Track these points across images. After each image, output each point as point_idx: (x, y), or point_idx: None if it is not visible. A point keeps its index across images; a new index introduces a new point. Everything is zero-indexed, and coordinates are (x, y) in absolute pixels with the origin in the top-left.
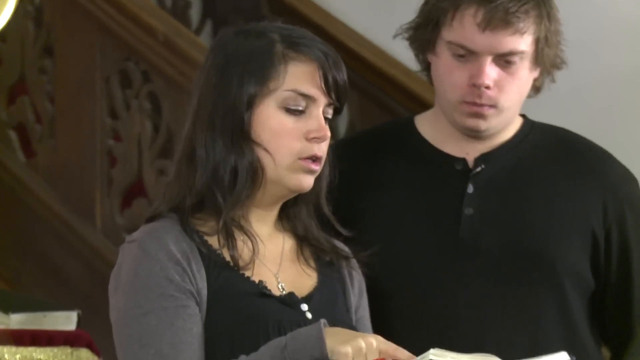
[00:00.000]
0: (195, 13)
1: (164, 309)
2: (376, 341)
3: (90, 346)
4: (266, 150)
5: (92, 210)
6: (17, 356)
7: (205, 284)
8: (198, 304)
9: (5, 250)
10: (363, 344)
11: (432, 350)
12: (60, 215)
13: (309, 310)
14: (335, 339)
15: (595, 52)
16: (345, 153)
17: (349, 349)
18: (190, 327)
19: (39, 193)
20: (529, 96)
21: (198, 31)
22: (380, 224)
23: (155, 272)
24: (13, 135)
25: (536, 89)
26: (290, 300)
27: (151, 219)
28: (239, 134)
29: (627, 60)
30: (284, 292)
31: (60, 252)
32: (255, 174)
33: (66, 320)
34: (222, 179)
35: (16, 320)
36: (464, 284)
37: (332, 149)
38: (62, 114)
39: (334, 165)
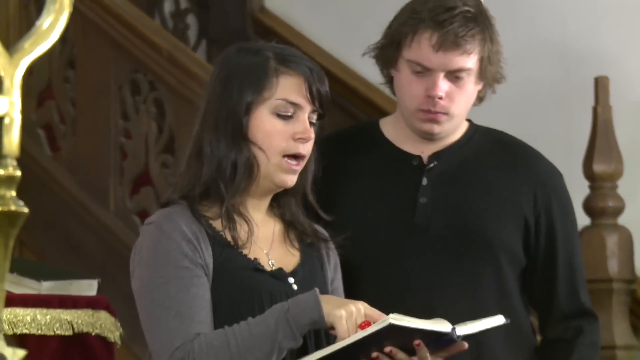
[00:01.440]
0: (192, 34)
1: (181, 278)
2: (363, 307)
3: (108, 308)
4: (260, 148)
5: (107, 195)
6: (47, 317)
7: (212, 260)
8: (206, 275)
9: (34, 228)
10: (354, 309)
11: (391, 315)
12: (80, 200)
13: (294, 282)
14: (330, 304)
15: (518, 67)
16: (324, 149)
17: (342, 312)
18: (203, 293)
19: (62, 181)
20: (474, 105)
21: (195, 49)
22: (351, 210)
23: (172, 249)
24: (41, 133)
25: (480, 99)
26: (279, 274)
27: (165, 204)
28: (239, 135)
29: (544, 74)
30: (274, 268)
31: (80, 230)
32: (252, 168)
33: (88, 287)
34: (225, 172)
35: (46, 287)
36: (417, 260)
37: (315, 145)
38: (82, 116)
39: (318, 161)
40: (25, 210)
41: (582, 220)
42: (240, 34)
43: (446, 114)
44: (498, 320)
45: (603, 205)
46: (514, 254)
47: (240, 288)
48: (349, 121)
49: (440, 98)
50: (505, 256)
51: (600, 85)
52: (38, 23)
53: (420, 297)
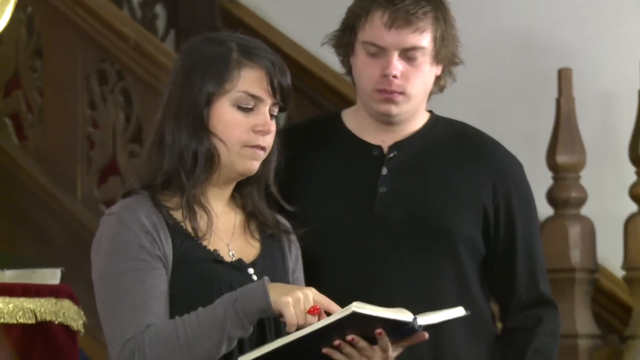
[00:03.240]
0: (161, 23)
1: (137, 270)
2: (311, 293)
3: (71, 297)
4: (220, 139)
5: (74, 185)
6: (10, 305)
7: (172, 251)
8: (165, 267)
9: (1, 217)
10: (301, 295)
11: (354, 303)
12: (47, 189)
13: (254, 273)
14: (277, 291)
15: (483, 58)
16: (286, 140)
17: (289, 299)
18: (159, 285)
19: (29, 170)
20: (435, 93)
21: (163, 38)
22: (312, 202)
23: (130, 240)
24: (8, 122)
25: (441, 87)
26: (239, 265)
27: (127, 194)
28: (199, 125)
29: (509, 65)
30: (234, 259)
31: (47, 219)
32: (212, 158)
33: (52, 276)
34: (186, 162)
35: (9, 276)
36: (377, 250)
37: (278, 136)
38: (49, 105)
39: (281, 152)
40: None
41: (546, 210)
42: (209, 24)
43: (402, 93)
44: (459, 311)
45: (566, 196)
46: (474, 244)
47: (200, 279)
48: (317, 112)
49: (395, 77)
50: (464, 246)
51: (564, 77)
52: None
53: (379, 287)
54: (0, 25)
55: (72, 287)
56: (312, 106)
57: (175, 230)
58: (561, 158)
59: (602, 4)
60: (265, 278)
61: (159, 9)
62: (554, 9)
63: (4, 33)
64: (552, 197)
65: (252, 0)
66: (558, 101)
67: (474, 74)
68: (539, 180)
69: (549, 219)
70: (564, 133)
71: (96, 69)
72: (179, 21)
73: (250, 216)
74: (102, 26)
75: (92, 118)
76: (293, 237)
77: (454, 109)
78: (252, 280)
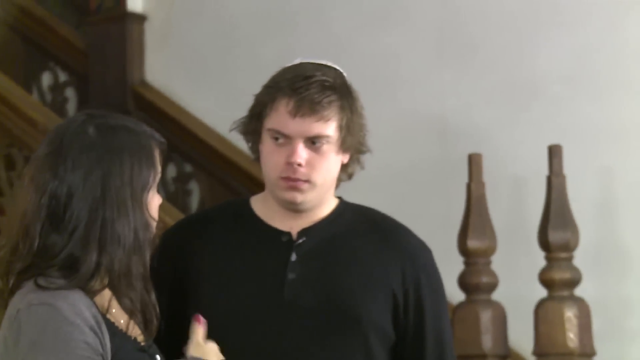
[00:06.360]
0: (71, 107)
1: None
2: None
3: None
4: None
5: None
6: None
7: (110, 346)
8: None
9: None
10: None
11: None
12: None
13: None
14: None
15: (397, 144)
16: (193, 227)
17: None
18: None
19: None
20: (343, 180)
21: None
22: (216, 284)
23: (75, 336)
24: None
25: (349, 174)
26: (151, 352)
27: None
28: (140, 204)
29: (421, 151)
30: (143, 344)
31: None
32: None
33: None
34: (141, 241)
35: None
36: (287, 336)
37: (184, 223)
38: None
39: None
40: None
41: (457, 295)
42: (121, 108)
43: (307, 181)
44: None
45: (477, 281)
46: (383, 330)
47: None
48: (230, 195)
49: (300, 165)
50: (374, 332)
51: (474, 162)
52: None
53: None
54: None
55: None
56: (225, 189)
57: (108, 322)
58: (472, 243)
59: (513, 89)
60: None
61: (70, 93)
62: (465, 94)
63: None
64: (463, 282)
65: (164, 83)
66: (468, 186)
67: (389, 158)
68: (452, 265)
69: (460, 305)
70: (474, 218)
71: (3, 155)
72: (90, 104)
73: None
74: (10, 111)
75: None
76: None
77: (368, 192)
78: None
